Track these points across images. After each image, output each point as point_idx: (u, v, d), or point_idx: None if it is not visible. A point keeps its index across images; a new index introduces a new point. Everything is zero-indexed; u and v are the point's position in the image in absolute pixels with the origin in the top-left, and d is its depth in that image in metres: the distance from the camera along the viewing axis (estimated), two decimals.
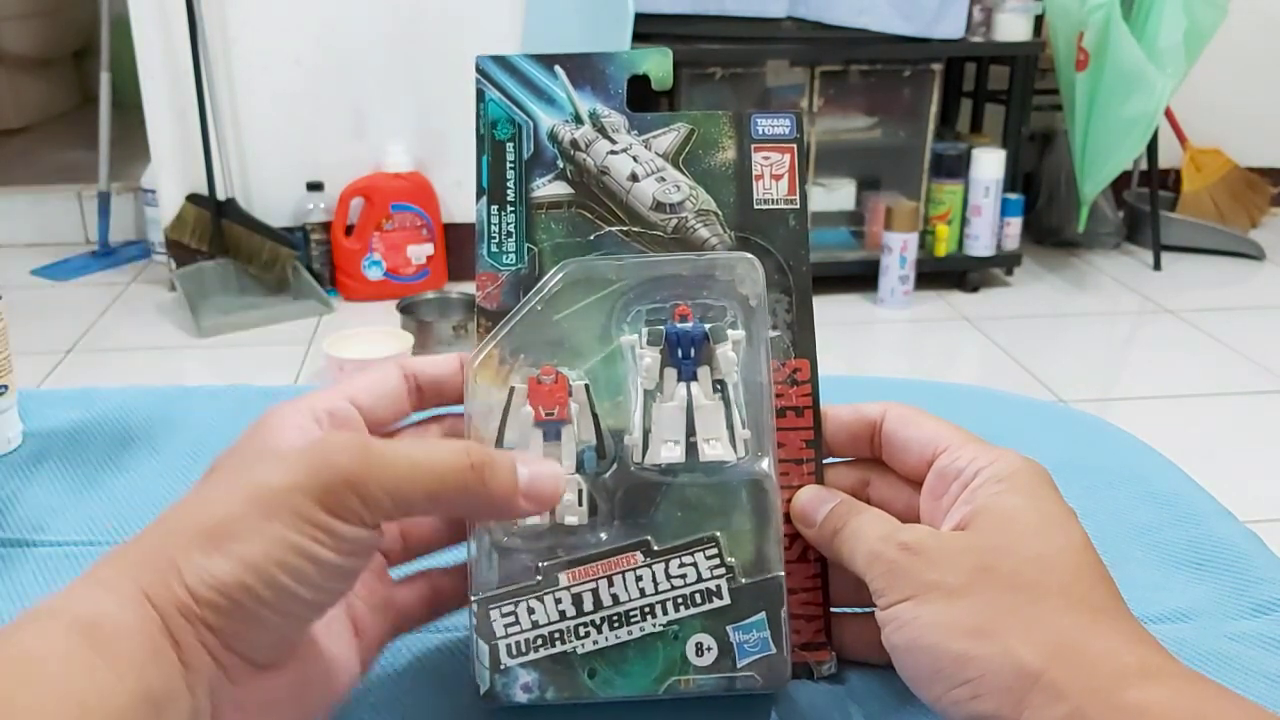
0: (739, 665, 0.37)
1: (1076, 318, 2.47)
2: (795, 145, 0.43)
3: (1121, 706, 0.30)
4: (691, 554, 0.38)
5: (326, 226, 2.51)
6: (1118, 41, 2.29)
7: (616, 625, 0.37)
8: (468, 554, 0.38)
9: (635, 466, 0.38)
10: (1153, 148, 2.62)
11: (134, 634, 0.29)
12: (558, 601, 0.37)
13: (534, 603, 0.37)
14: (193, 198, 2.47)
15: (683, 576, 0.38)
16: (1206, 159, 2.94)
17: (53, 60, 3.71)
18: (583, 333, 0.39)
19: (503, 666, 0.37)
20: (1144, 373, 2.25)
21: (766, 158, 0.42)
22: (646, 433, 0.38)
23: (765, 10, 2.30)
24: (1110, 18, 2.29)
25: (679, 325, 0.39)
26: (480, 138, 0.42)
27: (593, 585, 0.37)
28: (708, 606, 0.38)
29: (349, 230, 2.50)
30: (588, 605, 0.37)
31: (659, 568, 0.38)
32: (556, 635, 0.37)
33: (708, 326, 0.39)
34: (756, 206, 0.42)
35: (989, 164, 2.50)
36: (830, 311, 2.45)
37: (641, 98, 0.43)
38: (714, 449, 0.38)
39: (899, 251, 2.44)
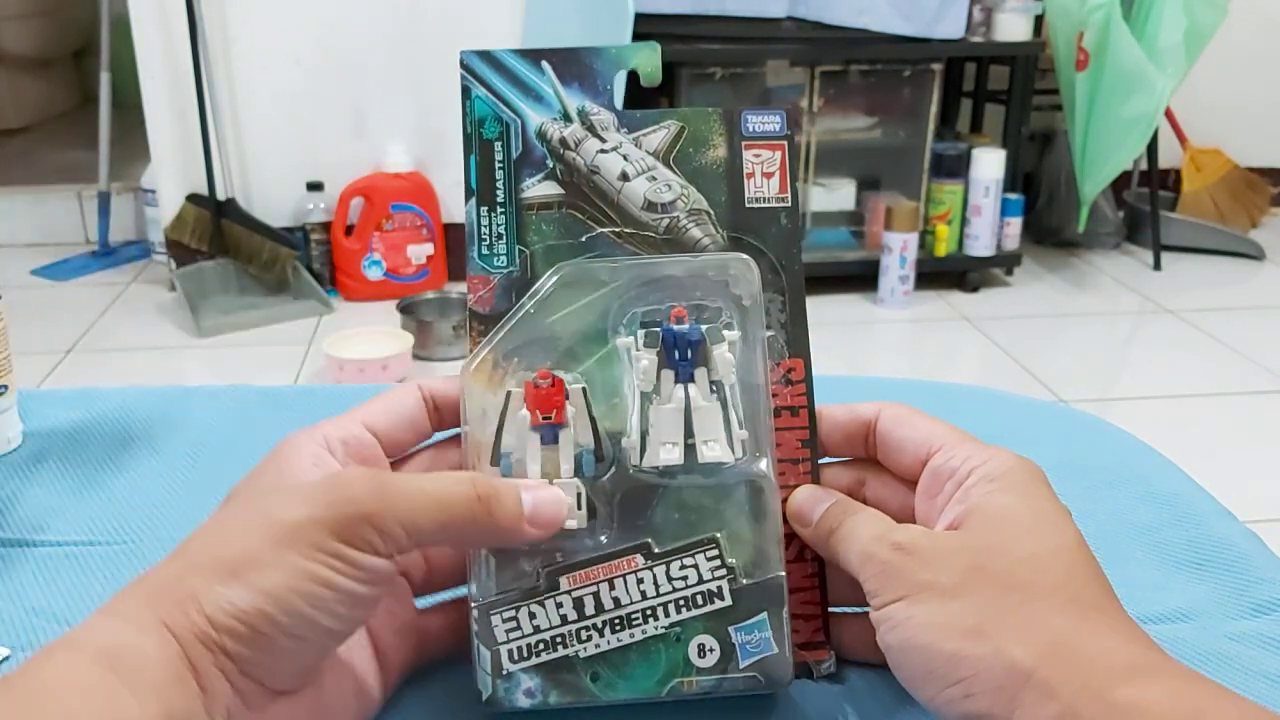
0: (741, 666, 0.37)
1: (1076, 318, 2.47)
2: (786, 142, 0.42)
3: (1114, 704, 0.30)
4: (692, 555, 0.38)
5: (326, 226, 2.51)
6: (1118, 41, 2.29)
7: (618, 628, 0.37)
8: (468, 559, 0.38)
9: (633, 469, 0.38)
10: (1153, 148, 2.62)
11: (154, 661, 0.30)
12: (559, 606, 0.37)
13: (535, 607, 0.37)
14: (193, 198, 2.47)
15: (684, 578, 0.37)
16: (1206, 159, 2.94)
17: (53, 60, 3.71)
18: (578, 335, 0.39)
19: (505, 672, 0.37)
20: (1144, 373, 2.25)
21: (757, 155, 0.42)
22: (644, 435, 0.38)
23: (765, 10, 2.30)
24: (1110, 18, 2.29)
25: (675, 327, 0.39)
26: (467, 136, 0.41)
27: (594, 589, 0.37)
28: (709, 608, 0.37)
29: (349, 230, 2.50)
30: (589, 609, 0.37)
31: (660, 570, 0.37)
32: (558, 639, 0.37)
33: (704, 328, 0.39)
34: (748, 205, 0.42)
35: (989, 164, 2.49)
36: (830, 311, 2.45)
37: (641, 96, 0.43)
38: (712, 450, 0.38)
39: (899, 251, 2.44)
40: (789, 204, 0.42)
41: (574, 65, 0.41)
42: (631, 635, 0.37)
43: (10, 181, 2.95)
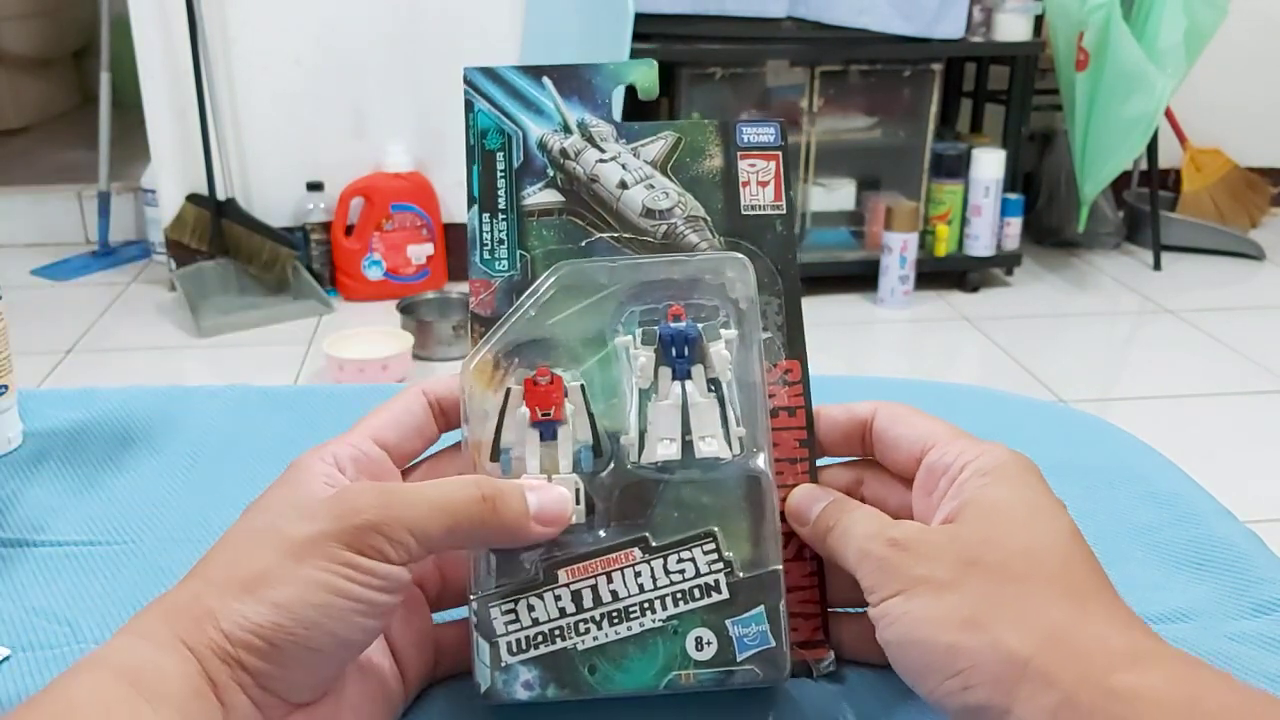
0: (738, 659, 0.38)
1: (1076, 318, 2.47)
2: (780, 152, 0.43)
3: (1112, 691, 0.31)
4: (689, 549, 0.38)
5: (326, 226, 2.51)
6: (1118, 41, 2.29)
7: (616, 621, 0.37)
8: (468, 553, 0.38)
9: (632, 465, 0.39)
10: (1153, 148, 2.62)
11: (174, 678, 0.31)
12: (557, 599, 0.37)
13: (534, 600, 0.37)
14: (193, 198, 2.47)
15: (681, 572, 0.38)
16: (1206, 159, 2.94)
17: (53, 60, 3.71)
18: (577, 335, 0.40)
19: (503, 664, 0.37)
20: (1144, 373, 2.25)
21: (752, 165, 0.43)
22: (642, 432, 0.39)
23: (765, 10, 2.30)
24: (1110, 18, 2.29)
25: (673, 325, 0.39)
26: (470, 148, 0.42)
27: (592, 582, 0.38)
28: (706, 601, 0.38)
29: (349, 230, 2.50)
30: (587, 602, 0.37)
31: (657, 563, 0.38)
32: (556, 632, 0.37)
33: (701, 326, 0.39)
34: (744, 212, 0.43)
35: (989, 164, 2.50)
36: (830, 311, 2.45)
37: (641, 103, 0.44)
38: (709, 446, 0.39)
39: (899, 251, 2.44)
40: (784, 212, 0.43)
41: (574, 80, 0.43)
42: (629, 628, 0.37)
43: (10, 181, 2.95)
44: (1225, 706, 0.30)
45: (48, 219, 2.85)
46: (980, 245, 2.55)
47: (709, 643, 0.38)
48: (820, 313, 2.43)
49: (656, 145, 0.43)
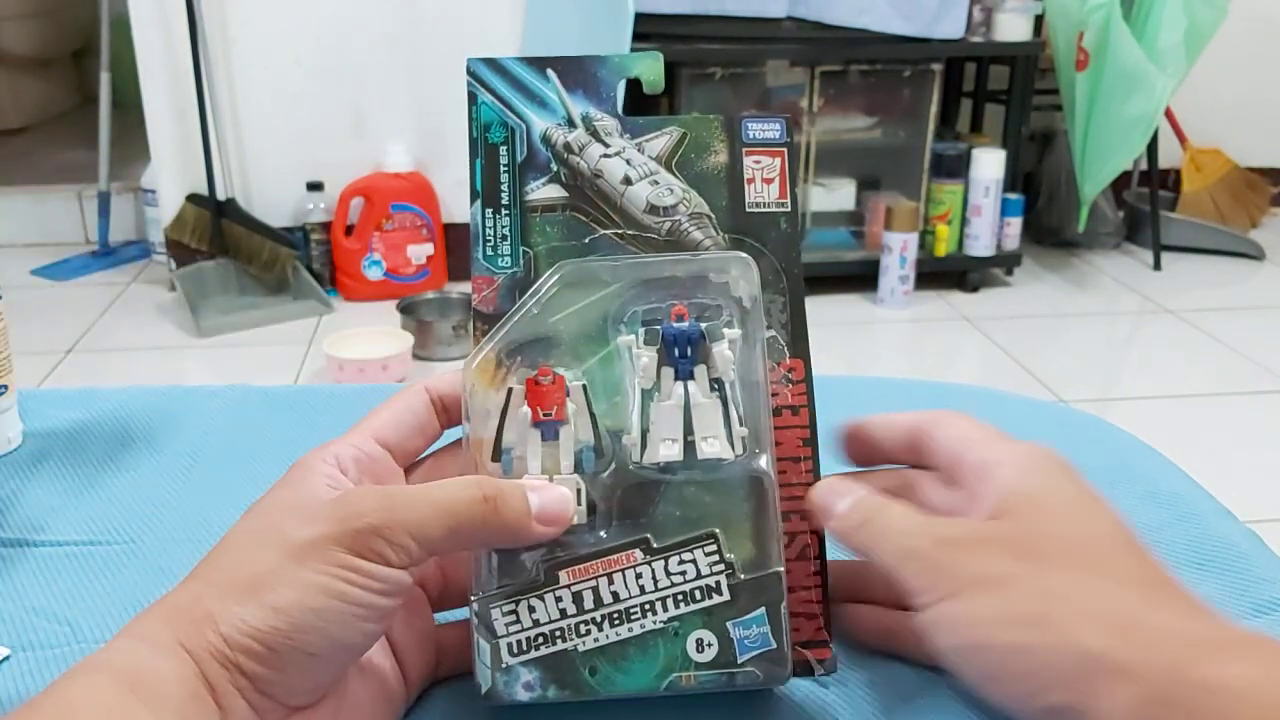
0: (739, 661, 0.38)
1: (1076, 318, 2.47)
2: (785, 149, 0.43)
3: (1199, 683, 0.29)
4: (691, 551, 0.38)
5: (326, 226, 2.51)
6: (1118, 41, 2.29)
7: (617, 622, 0.37)
8: (469, 554, 0.38)
9: (634, 465, 0.38)
10: (1153, 148, 2.62)
11: (171, 681, 0.31)
12: (558, 600, 0.37)
13: (535, 601, 0.37)
14: (193, 198, 2.47)
15: (682, 573, 0.38)
16: (1206, 159, 2.94)
17: (53, 60, 3.71)
18: (579, 334, 0.39)
19: (504, 665, 0.37)
20: (1144, 373, 2.25)
21: (757, 161, 0.43)
22: (644, 432, 0.38)
23: (765, 10, 2.30)
24: (1110, 18, 2.29)
25: (675, 325, 0.39)
26: (473, 141, 0.42)
27: (593, 583, 0.37)
28: (707, 603, 0.38)
29: (349, 230, 2.50)
30: (588, 603, 0.37)
31: (658, 565, 0.38)
32: (557, 633, 0.37)
33: (704, 326, 0.39)
34: (748, 210, 0.42)
35: (989, 164, 2.50)
36: (830, 311, 2.45)
37: (641, 97, 0.44)
38: (712, 447, 0.38)
39: (899, 251, 2.44)
40: (789, 209, 0.43)
41: (578, 73, 0.42)
42: (630, 630, 0.37)
43: (10, 181, 2.95)
44: None
45: (48, 219, 2.85)
46: (980, 245, 2.55)
47: (710, 644, 0.38)
48: (820, 313, 2.43)
49: (661, 140, 0.42)
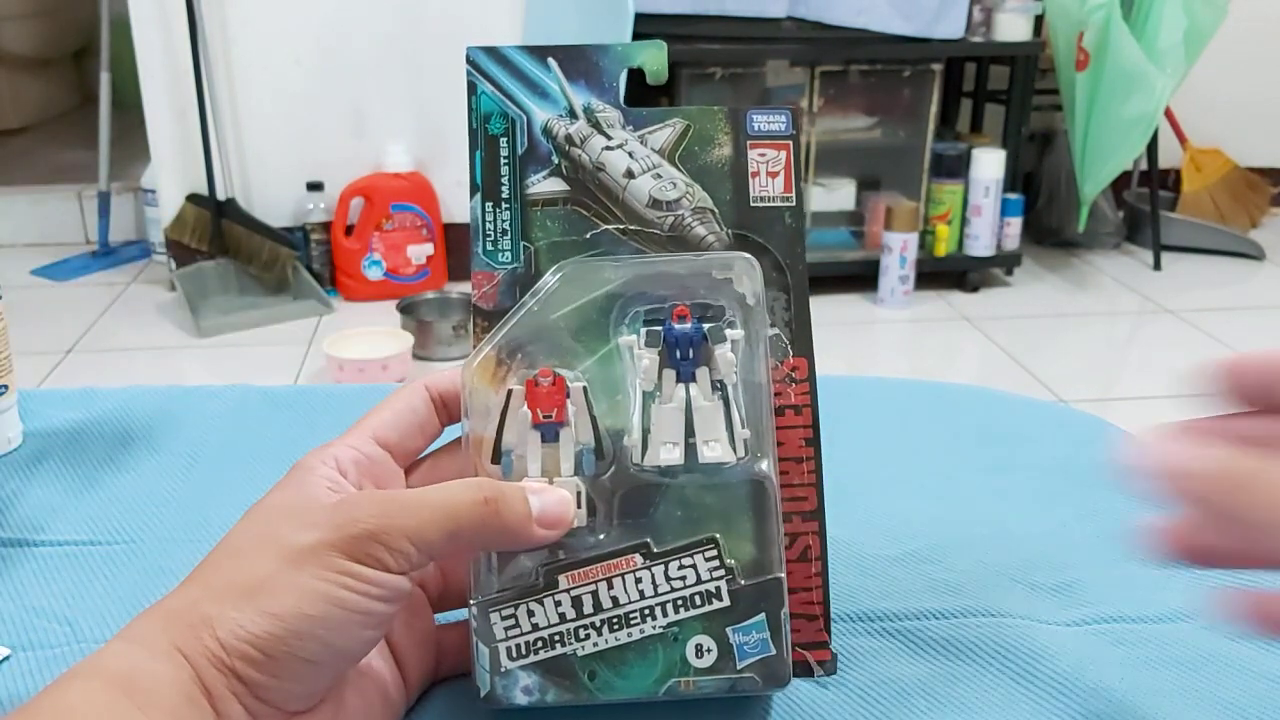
0: (739, 667, 0.37)
1: (1076, 318, 2.47)
2: (791, 142, 0.42)
3: None
4: (691, 556, 0.38)
5: (326, 226, 2.51)
6: (1118, 41, 2.29)
7: (616, 627, 0.37)
8: (470, 560, 0.38)
9: (634, 468, 0.38)
10: (1153, 148, 2.62)
11: (168, 684, 0.31)
12: (557, 604, 0.37)
13: (534, 605, 0.37)
14: (193, 198, 2.47)
15: (682, 578, 0.37)
16: (1206, 159, 2.94)
17: (53, 60, 3.71)
18: (580, 333, 0.39)
19: (503, 669, 0.37)
20: (1144, 373, 2.25)
21: (762, 154, 0.42)
22: (645, 434, 0.38)
23: (765, 10, 2.30)
24: (1110, 18, 2.29)
25: (677, 326, 0.38)
26: (473, 132, 0.41)
27: (592, 588, 0.37)
28: (707, 608, 0.37)
29: (349, 230, 2.50)
30: (587, 607, 0.37)
31: (658, 570, 0.37)
32: (556, 638, 0.37)
33: (706, 327, 0.39)
34: (753, 204, 0.41)
35: (989, 164, 2.49)
36: (830, 311, 2.45)
37: (640, 96, 0.43)
38: (713, 450, 0.38)
39: (899, 251, 2.44)
40: (793, 203, 0.42)
41: (580, 62, 0.41)
42: (629, 634, 0.37)
43: (10, 181, 2.95)
44: None
45: (48, 219, 2.85)
46: (980, 245, 2.55)
47: (709, 650, 0.37)
48: (820, 313, 2.42)
49: (664, 133, 0.41)
